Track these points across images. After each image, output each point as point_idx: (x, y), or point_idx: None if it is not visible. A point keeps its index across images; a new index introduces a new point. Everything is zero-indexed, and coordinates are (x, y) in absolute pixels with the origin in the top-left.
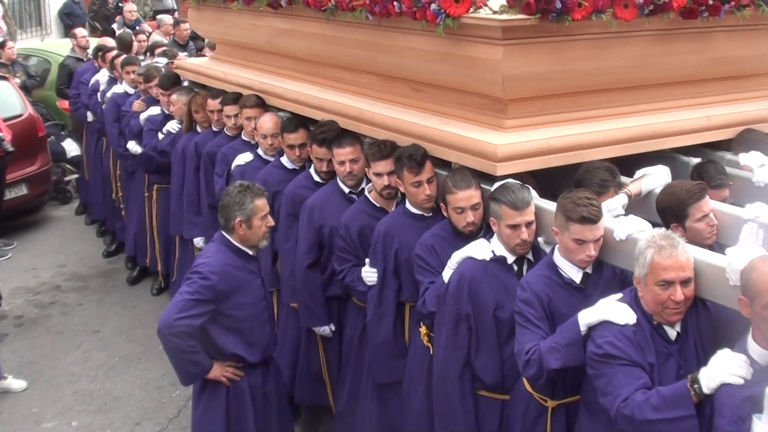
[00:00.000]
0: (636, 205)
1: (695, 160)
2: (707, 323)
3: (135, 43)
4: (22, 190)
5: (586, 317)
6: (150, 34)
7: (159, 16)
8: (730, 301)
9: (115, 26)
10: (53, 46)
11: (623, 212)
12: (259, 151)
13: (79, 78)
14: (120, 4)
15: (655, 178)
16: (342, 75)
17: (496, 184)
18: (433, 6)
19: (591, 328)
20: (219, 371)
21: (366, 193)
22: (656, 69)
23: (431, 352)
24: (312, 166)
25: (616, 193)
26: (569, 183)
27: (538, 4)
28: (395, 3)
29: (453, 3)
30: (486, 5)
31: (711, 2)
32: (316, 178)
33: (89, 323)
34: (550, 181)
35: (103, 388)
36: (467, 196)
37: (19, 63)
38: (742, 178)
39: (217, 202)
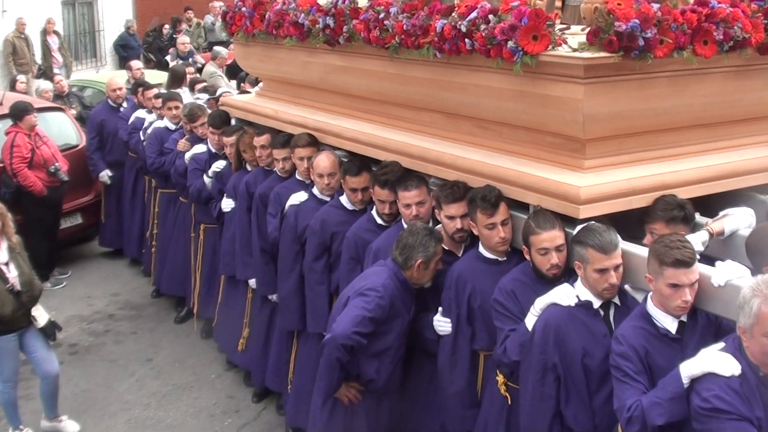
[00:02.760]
0: (718, 246)
1: None
2: None
3: (188, 76)
4: (77, 220)
5: (689, 369)
6: (202, 66)
7: (216, 48)
8: None
9: (168, 58)
10: (110, 75)
11: (703, 249)
12: (314, 191)
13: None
14: (174, 36)
15: (738, 219)
16: (403, 113)
17: (578, 227)
18: (510, 44)
19: (694, 381)
20: (344, 390)
21: (442, 246)
22: (732, 105)
23: (509, 402)
24: (374, 207)
25: (686, 232)
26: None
27: (621, 41)
28: (467, 40)
29: (531, 40)
30: (566, 43)
31: None
32: (379, 221)
33: (142, 351)
34: (625, 222)
35: (155, 416)
36: (552, 237)
37: (74, 94)
38: None
39: (269, 245)
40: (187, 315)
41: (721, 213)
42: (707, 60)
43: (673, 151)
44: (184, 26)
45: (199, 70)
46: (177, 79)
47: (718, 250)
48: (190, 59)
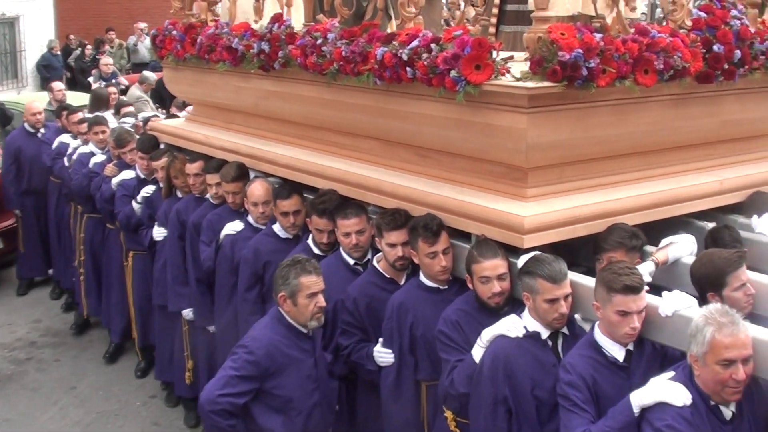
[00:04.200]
0: (661, 275)
1: (710, 225)
2: (760, 401)
3: (112, 97)
4: None
5: (640, 398)
6: (126, 87)
7: (145, 73)
8: None
9: (91, 79)
10: (29, 99)
11: (650, 279)
12: (249, 219)
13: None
14: (97, 57)
15: (682, 247)
16: (340, 140)
17: (522, 257)
18: (453, 73)
19: (645, 410)
20: None
21: (375, 263)
22: (671, 133)
23: None
24: (310, 237)
25: (633, 261)
26: (590, 252)
27: (564, 71)
28: (408, 69)
29: (474, 70)
30: (509, 72)
31: (727, 67)
32: (316, 250)
33: (65, 379)
34: (566, 250)
35: None
36: (493, 265)
37: None
38: (761, 243)
39: (204, 273)
40: (116, 351)
41: (664, 241)
42: (648, 89)
43: (614, 179)
44: (106, 47)
45: (123, 92)
46: (100, 101)
47: (662, 278)
48: (113, 80)
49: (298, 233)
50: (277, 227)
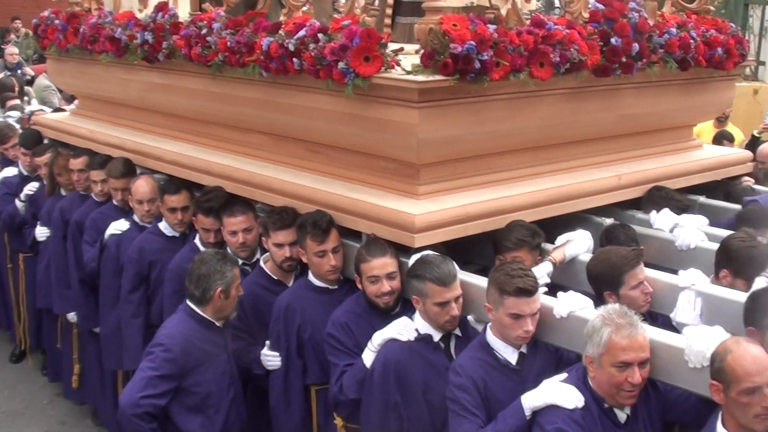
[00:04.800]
0: (557, 273)
1: (608, 221)
2: (656, 404)
3: None
4: None
5: (531, 401)
6: (32, 77)
7: None
8: (687, 383)
9: None
10: None
11: (548, 280)
12: (135, 218)
13: None
14: (1, 47)
15: (578, 244)
16: (228, 134)
17: (413, 257)
18: (341, 65)
19: (536, 413)
20: None
21: (261, 264)
22: (568, 127)
23: None
24: (197, 236)
25: (535, 259)
26: (483, 249)
27: (456, 64)
28: (295, 60)
29: (363, 62)
30: (399, 65)
31: (624, 60)
32: (203, 250)
33: None
34: (460, 248)
35: None
36: (382, 264)
37: None
38: (659, 238)
39: (87, 274)
40: (21, 354)
41: (560, 239)
42: (543, 82)
43: (508, 175)
44: (12, 36)
45: (29, 82)
46: (5, 90)
47: (558, 277)
48: (19, 71)
49: (185, 231)
50: (163, 225)
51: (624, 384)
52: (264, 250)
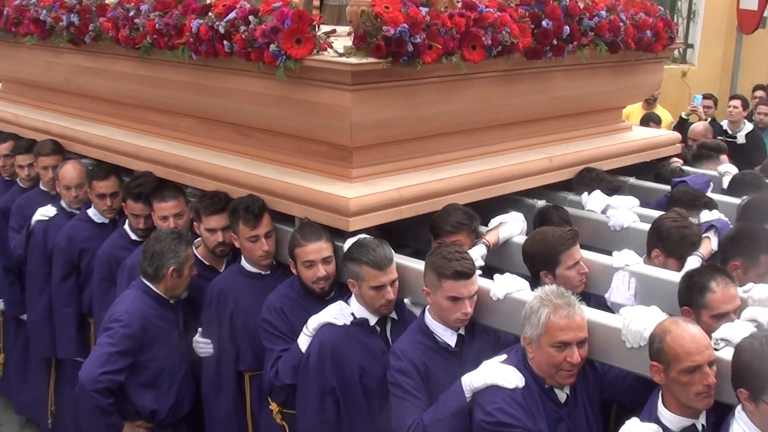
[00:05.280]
0: (491, 255)
1: (540, 203)
2: (594, 384)
3: None
4: None
5: (471, 382)
6: None
7: None
8: (625, 363)
9: None
10: None
11: (483, 263)
12: (62, 203)
13: None
14: None
15: (511, 227)
16: (156, 118)
17: (348, 241)
18: (272, 47)
19: (476, 394)
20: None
21: (193, 249)
22: (499, 110)
23: (287, 431)
24: (126, 222)
25: (472, 242)
26: (417, 232)
27: (389, 47)
28: (225, 42)
29: (294, 44)
30: (331, 47)
31: (555, 43)
32: (133, 237)
33: None
34: (393, 231)
35: None
36: (317, 248)
37: None
38: (592, 220)
39: (13, 262)
40: None
41: (494, 222)
42: (475, 65)
43: (441, 158)
44: None
45: None
46: None
47: (492, 259)
48: None
49: (115, 217)
50: (92, 212)
51: (563, 364)
52: (195, 236)
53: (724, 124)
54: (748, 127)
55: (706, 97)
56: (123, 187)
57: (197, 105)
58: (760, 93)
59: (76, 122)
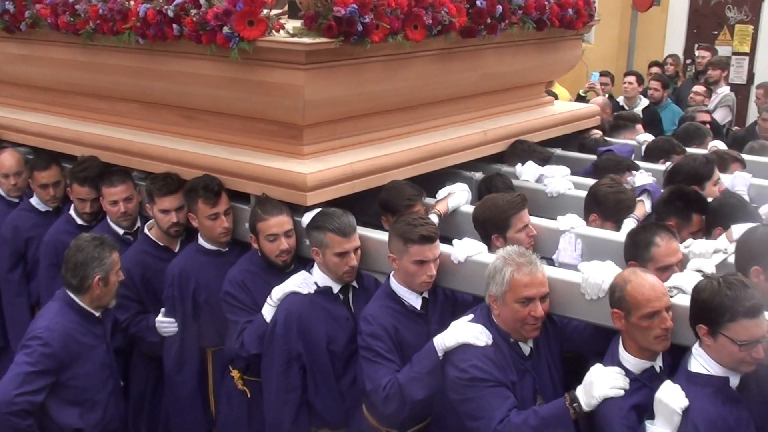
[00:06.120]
0: (442, 225)
1: (477, 175)
2: (555, 337)
3: None
4: None
5: (443, 342)
6: None
7: None
8: (585, 314)
9: None
10: None
11: None
12: (0, 192)
13: None
14: None
15: (458, 197)
16: (96, 104)
17: (307, 215)
18: (225, 29)
19: (448, 353)
20: None
21: (147, 231)
22: (437, 87)
23: (249, 396)
24: (72, 207)
25: (424, 212)
26: (364, 206)
27: (340, 27)
28: (174, 26)
29: (247, 26)
30: (283, 28)
31: (489, 21)
32: (79, 221)
33: None
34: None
35: None
36: (280, 222)
37: None
38: (527, 188)
39: None
40: None
41: (442, 192)
42: (416, 44)
43: (384, 134)
44: None
45: None
46: None
47: (442, 228)
48: None
49: (59, 205)
50: (35, 200)
51: (528, 318)
52: (145, 219)
53: (621, 100)
54: (644, 102)
55: (603, 74)
56: (68, 172)
57: (140, 89)
58: (655, 69)
59: (11, 111)
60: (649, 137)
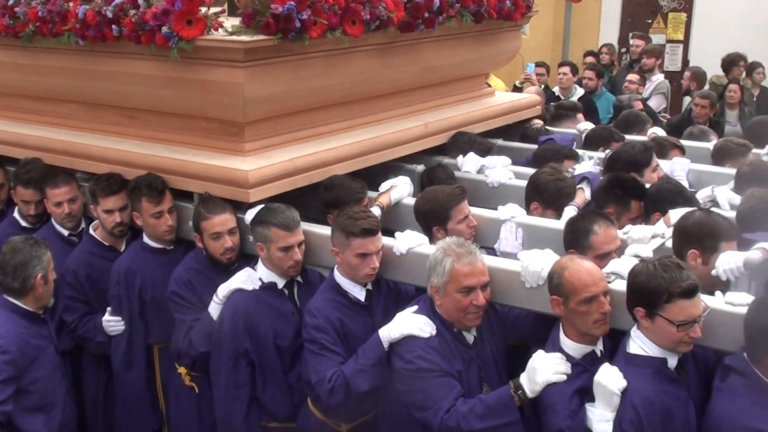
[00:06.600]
0: (385, 218)
1: (419, 167)
2: (497, 325)
3: None
4: None
5: (388, 333)
6: None
7: None
8: (525, 302)
9: None
10: None
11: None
12: None
13: None
14: None
15: (401, 189)
16: (36, 106)
17: (249, 212)
18: (164, 29)
19: (394, 344)
20: None
21: (91, 232)
22: (378, 81)
23: (197, 391)
24: (16, 209)
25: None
26: (307, 201)
27: (277, 24)
28: (114, 27)
29: (186, 25)
30: (222, 27)
31: (427, 15)
32: (23, 223)
33: None
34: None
35: None
36: (223, 220)
37: None
38: (469, 180)
39: None
40: None
41: (385, 185)
42: (355, 39)
43: (326, 129)
44: None
45: None
46: None
47: (385, 221)
48: None
49: (2, 208)
50: None
51: (469, 307)
52: (90, 219)
53: (556, 90)
54: (580, 92)
55: (538, 65)
56: (11, 174)
57: (81, 90)
58: (590, 59)
59: None
60: (589, 126)
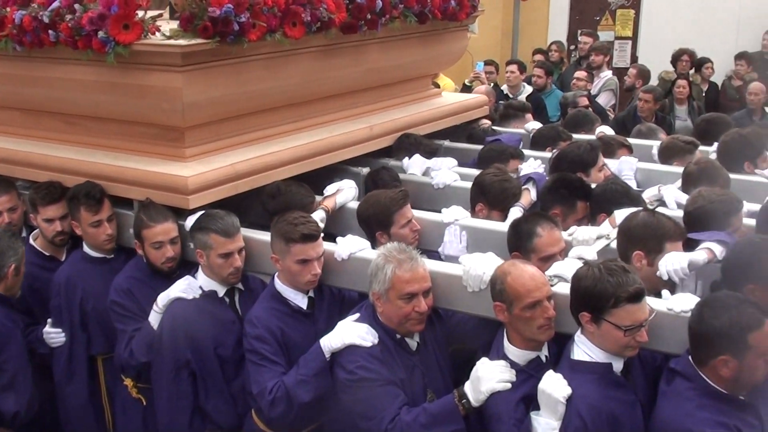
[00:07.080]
0: (329, 222)
1: (365, 170)
2: (441, 330)
3: None
4: None
5: (330, 343)
6: None
7: None
8: (467, 307)
9: None
10: None
11: (322, 226)
12: None
13: None
14: None
15: (346, 193)
16: None
17: (190, 218)
18: (101, 34)
19: (336, 354)
20: None
21: (31, 241)
22: (320, 84)
23: (144, 404)
24: None
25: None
26: (249, 206)
27: (215, 27)
28: (50, 32)
29: (123, 30)
30: (159, 31)
31: (369, 17)
32: None
33: None
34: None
35: None
36: (165, 229)
37: None
38: (414, 182)
39: None
40: None
41: (330, 189)
42: (297, 41)
43: (269, 132)
44: None
45: None
46: None
47: (329, 225)
48: None
49: None
50: None
51: (411, 314)
52: (31, 228)
53: (505, 88)
54: (528, 90)
55: (487, 63)
56: None
57: (20, 97)
58: (539, 56)
59: None
60: (537, 125)
